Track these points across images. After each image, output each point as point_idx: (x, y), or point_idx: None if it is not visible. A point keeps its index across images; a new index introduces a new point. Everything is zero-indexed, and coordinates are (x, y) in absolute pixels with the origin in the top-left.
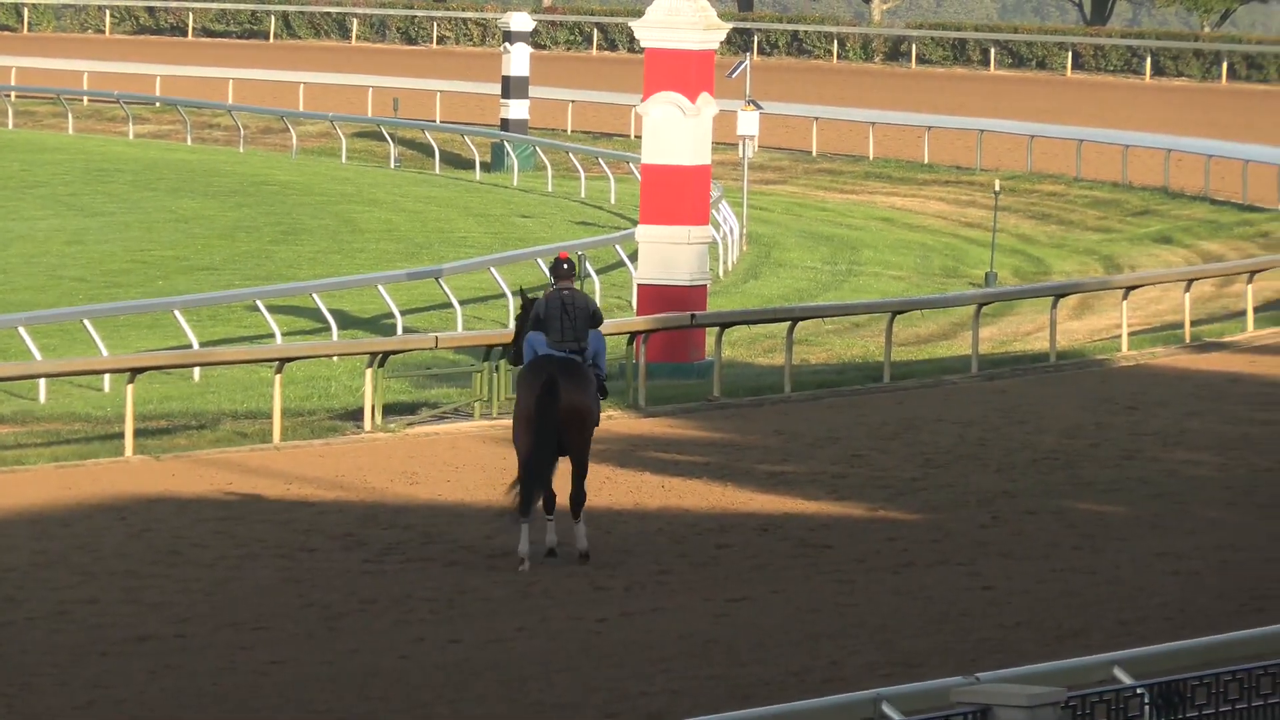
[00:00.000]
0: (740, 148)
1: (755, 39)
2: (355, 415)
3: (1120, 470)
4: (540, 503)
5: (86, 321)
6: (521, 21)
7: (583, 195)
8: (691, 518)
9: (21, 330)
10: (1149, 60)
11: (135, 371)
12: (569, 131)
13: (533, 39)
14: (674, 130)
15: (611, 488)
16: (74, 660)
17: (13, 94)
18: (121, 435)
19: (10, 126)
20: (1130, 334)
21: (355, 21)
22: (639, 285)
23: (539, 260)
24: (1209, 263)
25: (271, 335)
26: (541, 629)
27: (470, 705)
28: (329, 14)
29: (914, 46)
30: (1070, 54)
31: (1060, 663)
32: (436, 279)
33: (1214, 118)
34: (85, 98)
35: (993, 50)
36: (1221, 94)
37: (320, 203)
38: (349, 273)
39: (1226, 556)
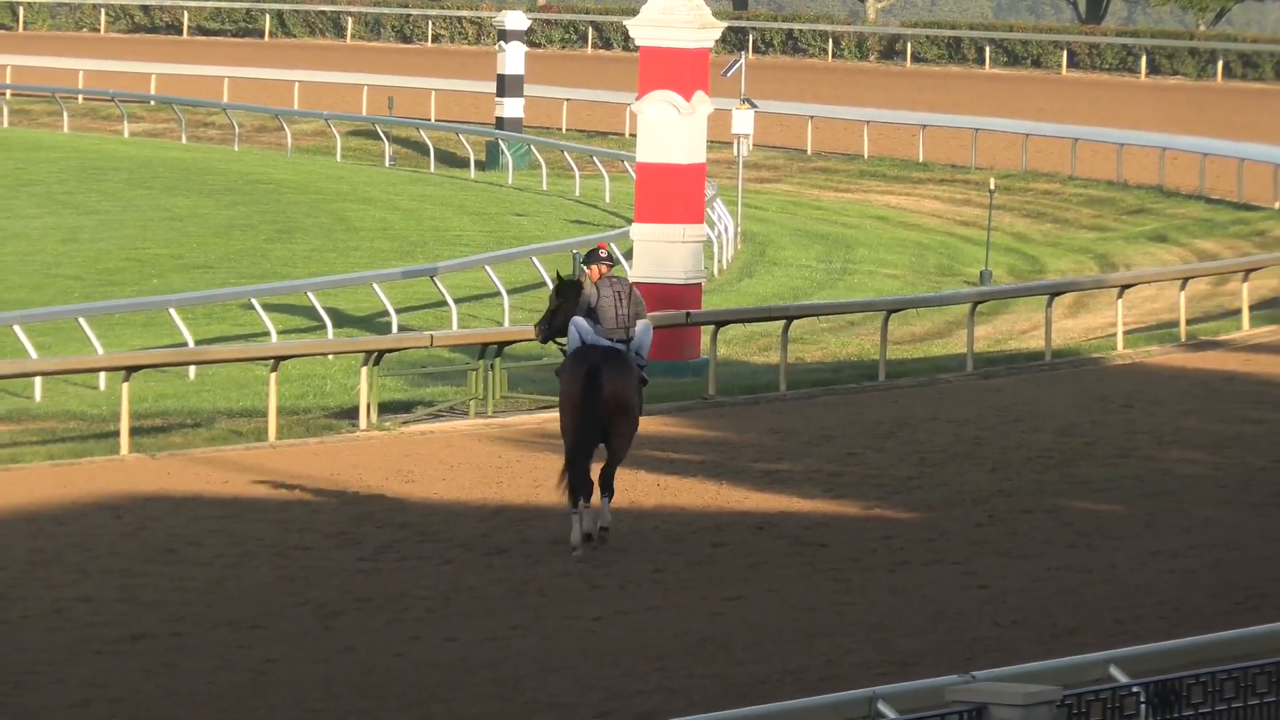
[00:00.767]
0: (735, 146)
1: (750, 37)
2: (350, 413)
3: (1115, 469)
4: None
5: (82, 320)
6: (516, 20)
7: (577, 194)
8: (687, 516)
9: (17, 328)
10: (1144, 59)
11: (130, 370)
12: (564, 130)
13: (528, 37)
14: (669, 129)
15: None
16: (69, 659)
17: (8, 92)
18: (117, 433)
19: (5, 125)
20: (1125, 332)
21: (350, 20)
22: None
23: (534, 259)
24: (1204, 261)
25: (267, 333)
26: (537, 627)
27: (465, 704)
28: (324, 12)
29: (909, 45)
30: (1065, 52)
31: (1056, 661)
32: (431, 277)
33: (1209, 116)
34: (80, 96)
35: (988, 49)
36: (1217, 92)
37: (315, 201)
38: (344, 271)
39: (1222, 555)
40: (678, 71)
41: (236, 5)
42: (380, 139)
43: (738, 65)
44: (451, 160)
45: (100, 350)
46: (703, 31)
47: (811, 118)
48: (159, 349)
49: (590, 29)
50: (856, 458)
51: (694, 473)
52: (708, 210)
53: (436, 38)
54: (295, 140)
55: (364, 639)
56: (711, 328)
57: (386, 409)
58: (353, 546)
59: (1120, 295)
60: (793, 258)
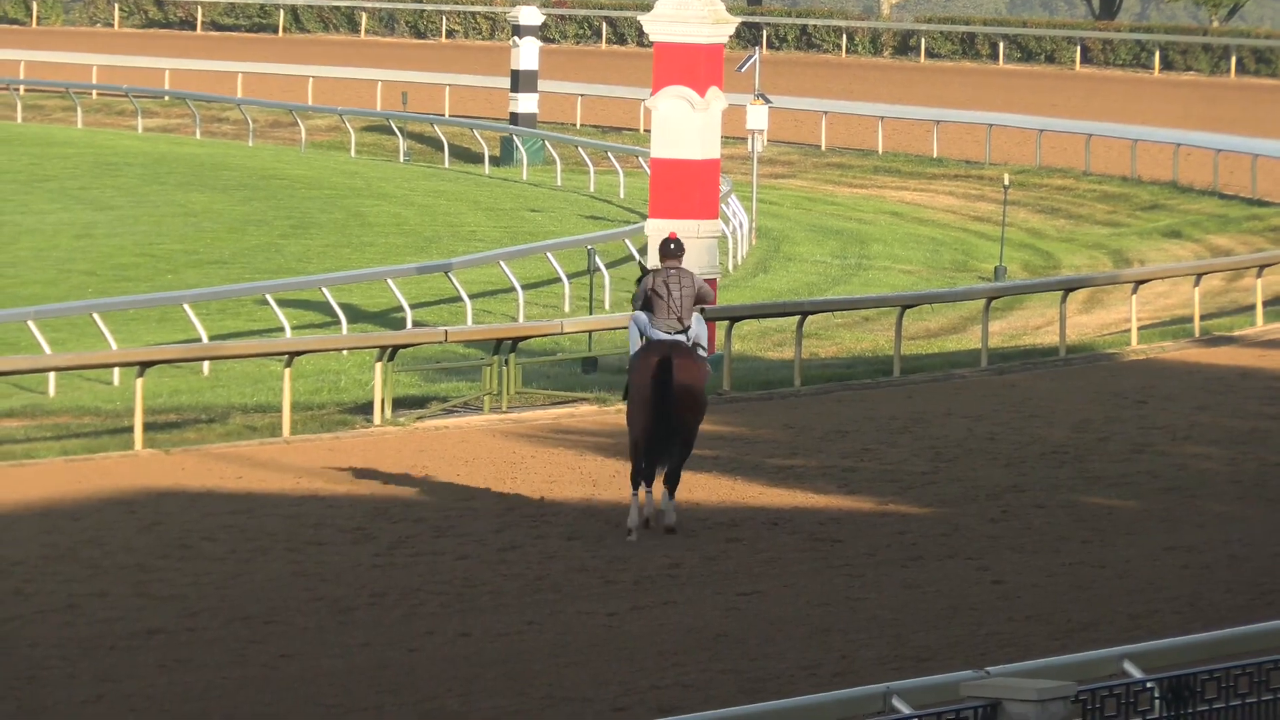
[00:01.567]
0: (749, 142)
1: (764, 33)
2: (365, 409)
3: (1130, 464)
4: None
5: (96, 315)
6: (531, 15)
7: (592, 189)
8: (701, 511)
9: (31, 324)
10: (1158, 54)
11: (144, 365)
12: (578, 125)
13: (542, 33)
14: (683, 124)
15: (621, 481)
16: (83, 654)
17: (22, 88)
18: (131, 429)
19: (19, 120)
20: (1139, 328)
21: (364, 15)
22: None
23: (549, 255)
24: (1218, 257)
25: (281, 329)
26: (551, 622)
27: (480, 699)
28: (338, 8)
29: (923, 40)
30: (1079, 48)
31: (1070, 656)
32: (446, 273)
33: (1222, 112)
34: (94, 92)
35: (1001, 44)
36: (1230, 88)
37: (329, 197)
38: (358, 266)
39: (1236, 550)
40: (692, 67)
41: (250, 1)
42: (395, 134)
43: (752, 61)
44: (466, 156)
45: (114, 346)
46: (717, 27)
47: (826, 113)
48: (173, 344)
49: (604, 24)
50: (871, 453)
51: (708, 468)
52: (722, 206)
53: (451, 33)
54: (309, 136)
55: (378, 634)
56: (726, 323)
57: (401, 404)
58: (367, 542)
59: (1134, 291)
60: (807, 253)
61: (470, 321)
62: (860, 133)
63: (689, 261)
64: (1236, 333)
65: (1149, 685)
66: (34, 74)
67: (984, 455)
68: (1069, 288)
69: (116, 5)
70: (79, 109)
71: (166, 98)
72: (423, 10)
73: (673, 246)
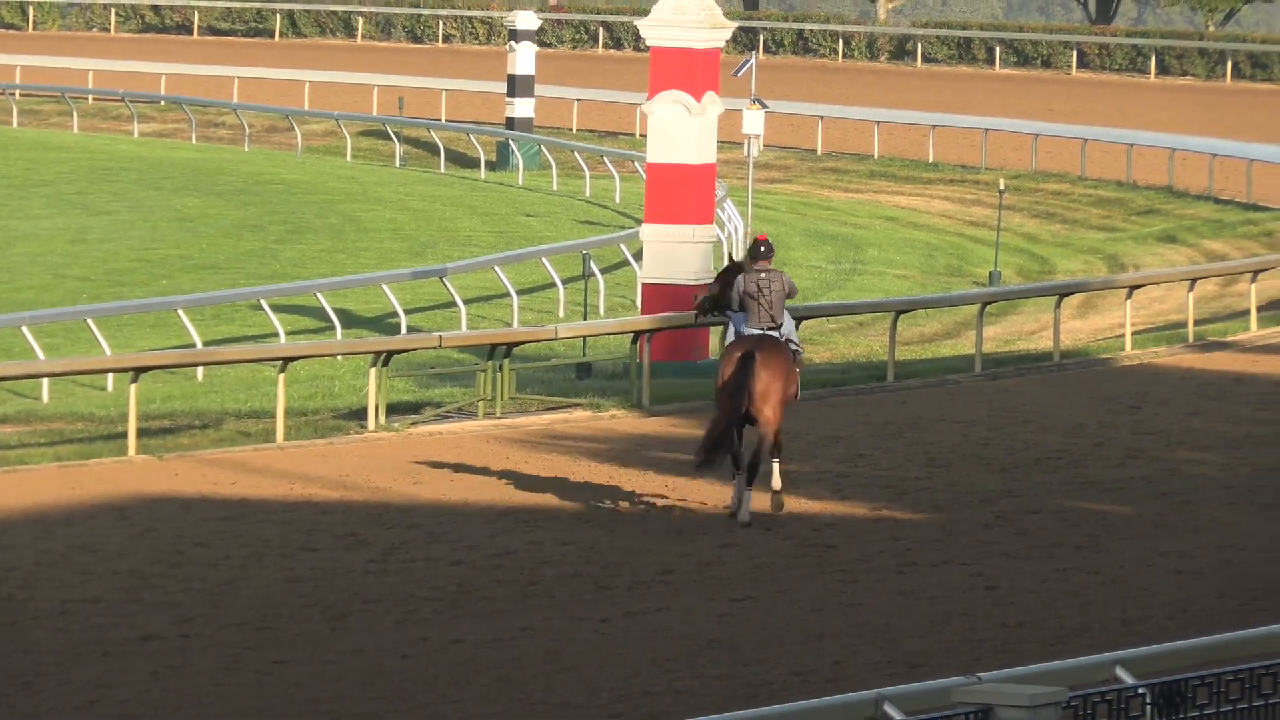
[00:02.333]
0: (745, 146)
1: (761, 37)
2: (359, 414)
3: (1123, 469)
4: (732, 460)
5: (90, 321)
6: (527, 20)
7: (587, 194)
8: (695, 517)
9: (25, 330)
10: (1154, 59)
11: (139, 371)
12: (574, 130)
13: (538, 37)
14: (679, 129)
15: (615, 487)
16: (77, 659)
17: (18, 92)
18: (125, 435)
19: (15, 125)
20: (1134, 333)
21: (361, 20)
22: (643, 284)
23: (544, 260)
24: (1213, 262)
25: (275, 334)
26: (545, 628)
27: (473, 705)
28: (335, 12)
29: (919, 45)
30: (1075, 53)
31: (1062, 662)
32: (441, 278)
33: (1218, 117)
34: (90, 96)
35: (998, 49)
36: (1226, 93)
37: (325, 201)
38: (353, 271)
39: (1229, 556)
40: (688, 71)
41: (247, 5)
42: (391, 139)
43: (748, 65)
44: (462, 161)
45: (108, 351)
46: (714, 31)
47: (822, 118)
48: (167, 350)
49: (601, 29)
50: (865, 458)
51: (701, 473)
52: (718, 211)
53: (447, 38)
54: (305, 140)
55: (372, 640)
56: (720, 328)
57: (395, 410)
58: (361, 548)
59: (1129, 296)
60: (802, 258)
61: (465, 327)
62: (856, 137)
63: (686, 267)
64: (1230, 338)
65: (1141, 691)
66: (30, 78)
67: (978, 460)
68: (1064, 293)
69: (113, 10)
70: (75, 113)
71: (162, 102)
72: (419, 15)
73: (763, 249)
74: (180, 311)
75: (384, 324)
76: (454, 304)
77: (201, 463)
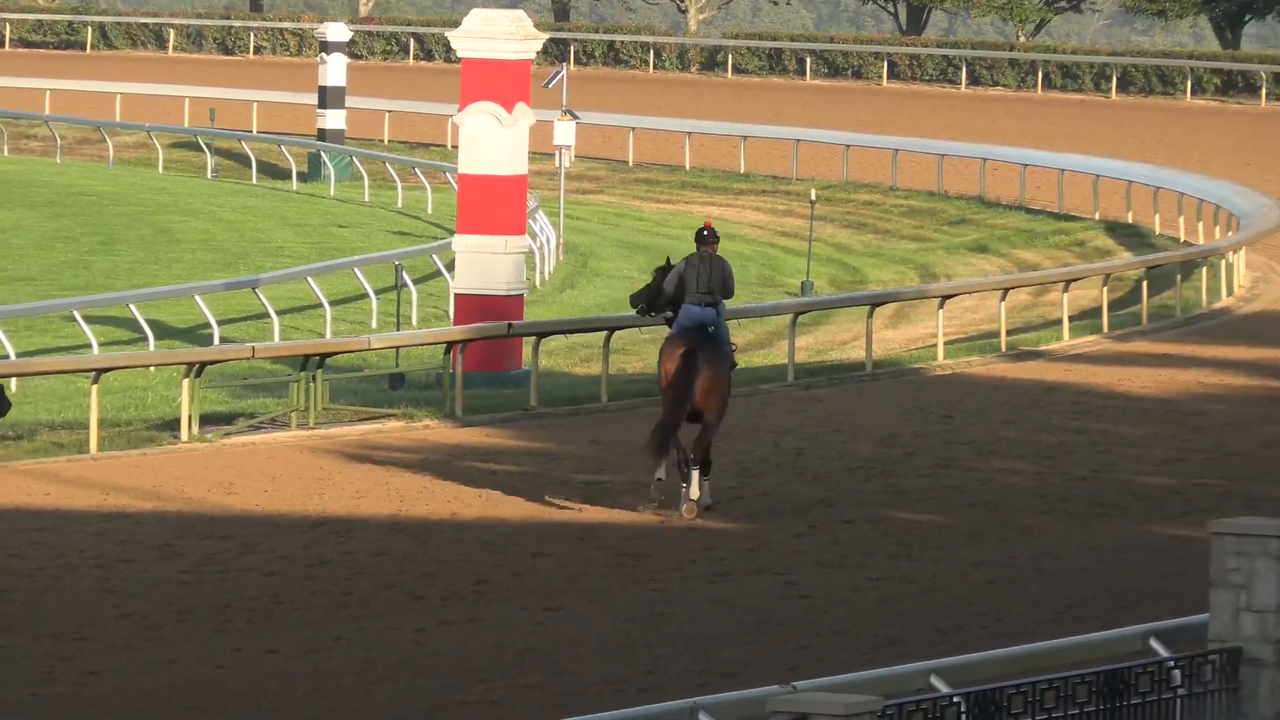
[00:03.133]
0: (557, 157)
1: (572, 49)
2: (172, 425)
3: (936, 479)
4: (674, 451)
5: None
6: (338, 32)
7: (400, 205)
8: (508, 527)
9: None
10: (965, 70)
11: None
12: (386, 141)
13: (349, 49)
14: (490, 140)
15: (428, 498)
16: None
17: None
18: None
19: None
20: (946, 343)
21: (172, 32)
22: (456, 295)
23: (356, 270)
24: (1025, 271)
25: (88, 345)
26: (359, 639)
27: (288, 715)
28: (146, 24)
29: (730, 56)
30: (886, 64)
31: (877, 671)
32: (253, 289)
33: (1029, 127)
34: None
35: (809, 60)
36: (1037, 103)
37: (137, 213)
38: (166, 283)
39: (1043, 565)
40: (499, 83)
41: (58, 17)
42: (202, 151)
43: (559, 76)
44: (274, 172)
45: None
46: (524, 43)
47: (633, 129)
48: None
49: (412, 40)
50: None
51: (516, 483)
52: (530, 222)
53: (258, 49)
54: (117, 152)
55: (187, 651)
56: (533, 339)
57: (208, 421)
58: (175, 558)
59: (941, 306)
60: (614, 269)
61: (278, 338)
62: (667, 148)
63: (498, 277)
64: (1043, 347)
65: (956, 700)
66: None
67: (791, 470)
68: (876, 303)
69: None
70: None
71: None
72: (230, 27)
73: (706, 234)
74: None
75: (197, 335)
76: (267, 315)
77: (15, 473)
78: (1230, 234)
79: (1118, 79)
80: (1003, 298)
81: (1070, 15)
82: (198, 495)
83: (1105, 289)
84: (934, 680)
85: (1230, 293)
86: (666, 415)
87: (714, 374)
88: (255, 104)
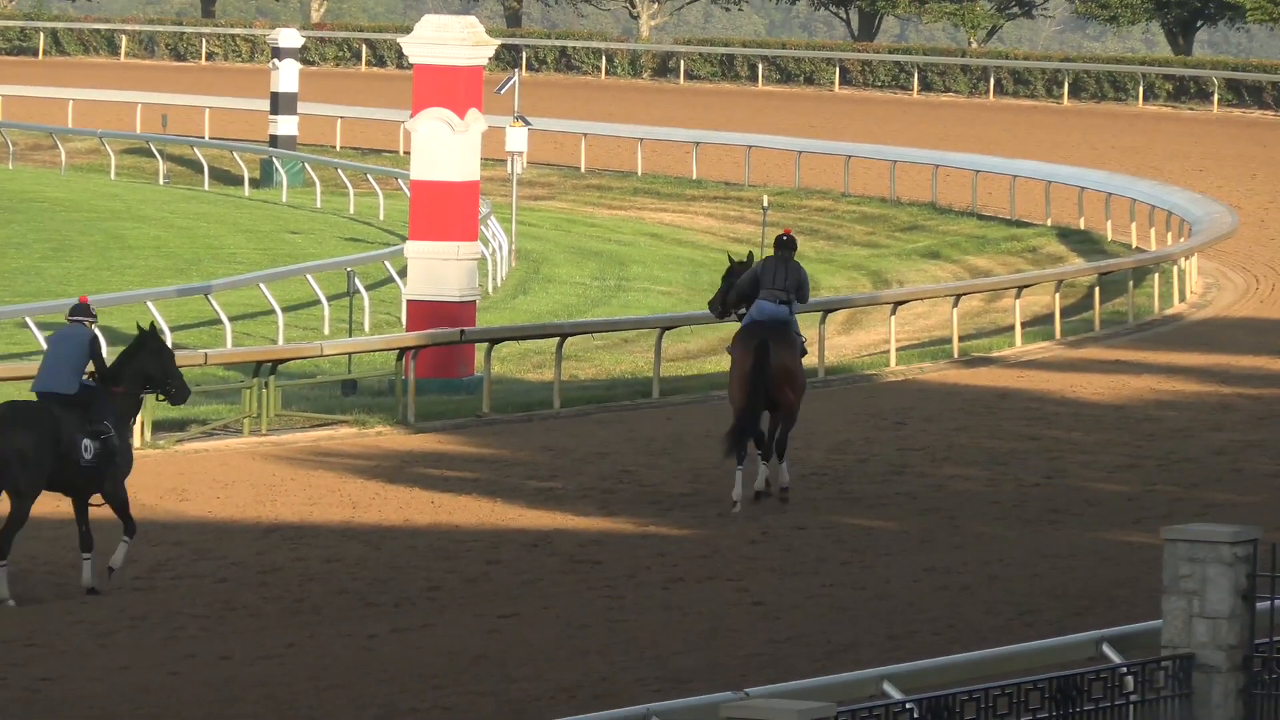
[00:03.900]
0: (509, 164)
1: (524, 55)
2: None
3: (888, 485)
4: (751, 444)
5: None
6: (290, 38)
7: (351, 211)
8: (461, 534)
9: None
10: (916, 76)
11: None
12: (338, 148)
13: (301, 55)
14: (443, 146)
15: (381, 504)
16: None
17: None
18: None
19: None
20: (898, 349)
21: (124, 38)
22: (408, 301)
23: (308, 276)
24: (977, 278)
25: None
26: (311, 645)
27: None
28: (98, 31)
29: (682, 62)
30: (838, 70)
31: (830, 678)
32: (206, 295)
33: (981, 133)
34: None
35: (761, 66)
36: (989, 109)
37: (89, 219)
38: (118, 289)
39: (995, 571)
40: (451, 89)
41: (10, 23)
42: (155, 157)
43: (511, 82)
44: (226, 178)
45: None
46: (476, 49)
47: (585, 135)
48: None
49: (364, 46)
50: (631, 475)
51: (468, 490)
52: (482, 228)
53: (210, 55)
54: (69, 158)
55: (139, 657)
56: (486, 345)
57: (161, 427)
58: (127, 564)
59: (893, 312)
60: (567, 275)
61: (230, 344)
62: (620, 154)
63: (450, 284)
64: (995, 354)
65: (908, 706)
66: None
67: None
68: (828, 309)
69: None
70: None
71: None
72: (183, 33)
73: (785, 239)
74: None
75: None
76: (219, 321)
77: None
78: (1182, 240)
79: (1070, 85)
80: (955, 304)
81: (1022, 21)
82: (150, 501)
83: (1058, 295)
84: (886, 686)
85: (1182, 299)
86: (742, 406)
87: (788, 362)
88: (207, 110)
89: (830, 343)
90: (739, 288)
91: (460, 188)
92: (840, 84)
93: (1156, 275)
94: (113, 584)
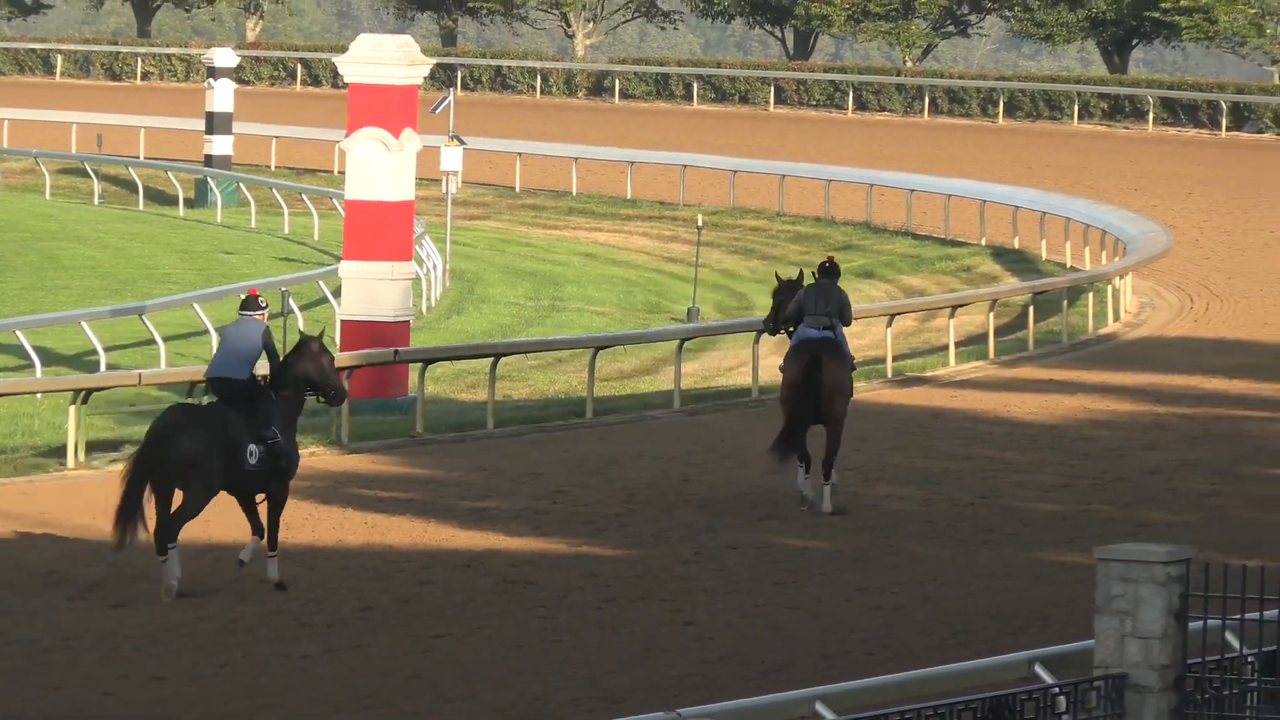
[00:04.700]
0: (444, 183)
1: (459, 74)
2: (59, 452)
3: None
4: (796, 458)
5: None
6: (225, 57)
7: (286, 231)
8: (395, 554)
9: None
10: (852, 95)
11: None
12: (273, 167)
13: (237, 75)
14: (377, 166)
15: (314, 524)
16: None
17: None
18: None
19: None
20: None
21: (60, 58)
22: (342, 321)
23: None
24: (911, 297)
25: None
26: (245, 665)
27: None
28: (33, 50)
29: (617, 82)
30: (773, 89)
31: (763, 698)
32: (140, 315)
33: (916, 152)
34: None
35: (696, 85)
36: (924, 128)
37: (24, 239)
38: (52, 309)
39: (928, 591)
40: (386, 108)
41: None
42: (89, 177)
43: (446, 102)
44: (161, 198)
45: None
46: (411, 68)
47: (520, 154)
48: None
49: (299, 66)
50: (564, 495)
51: (402, 510)
52: (416, 248)
53: (146, 75)
54: (4, 178)
55: (72, 678)
56: (420, 365)
57: (95, 448)
58: (62, 585)
59: None
60: (501, 295)
61: (164, 364)
62: (554, 174)
63: (385, 304)
64: (929, 373)
65: None
66: None
67: (677, 496)
68: (762, 329)
69: None
70: None
71: None
72: (118, 53)
73: (829, 266)
74: None
75: (83, 362)
76: (154, 342)
77: None
78: (1117, 259)
79: (1005, 104)
80: (889, 323)
81: (957, 40)
82: (85, 522)
83: (992, 315)
84: (819, 707)
85: (1117, 318)
86: (790, 420)
87: (838, 379)
88: (142, 130)
89: (765, 362)
90: (788, 314)
91: (395, 207)
92: (775, 103)
93: (1091, 295)
94: (46, 604)
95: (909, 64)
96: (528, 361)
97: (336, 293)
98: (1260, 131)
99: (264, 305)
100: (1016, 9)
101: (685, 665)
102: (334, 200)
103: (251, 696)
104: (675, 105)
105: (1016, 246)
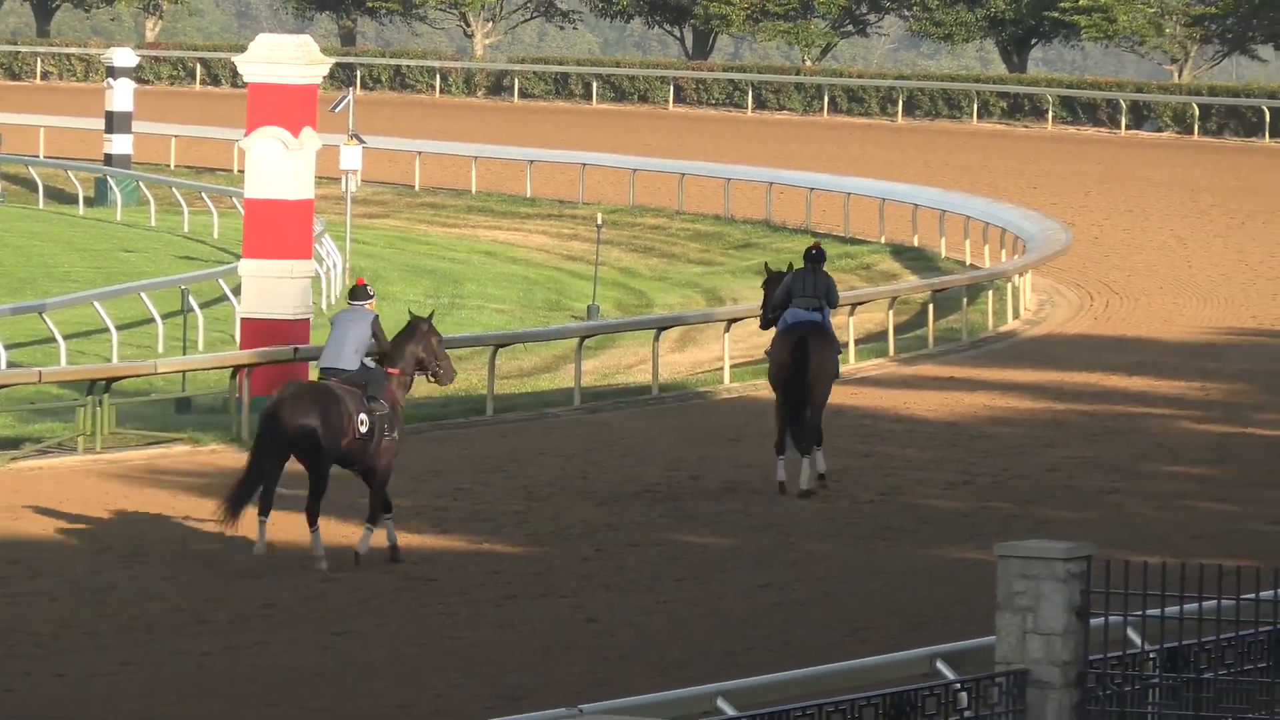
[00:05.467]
0: (343, 182)
1: (358, 74)
2: None
3: (723, 502)
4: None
5: None
6: (124, 57)
7: (186, 229)
8: (297, 552)
9: None
10: (751, 94)
11: None
12: (172, 166)
13: (136, 74)
14: (277, 164)
15: (216, 522)
16: None
17: None
18: None
19: None
20: (732, 366)
21: None
22: (242, 319)
23: (143, 295)
24: None
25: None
26: (146, 663)
27: None
28: None
29: (516, 81)
30: (672, 88)
31: (665, 694)
32: (40, 314)
33: (815, 150)
34: None
35: (595, 84)
36: (823, 127)
37: None
38: None
39: (829, 588)
40: (286, 108)
41: None
42: None
43: (346, 101)
44: (60, 197)
45: None
46: (310, 68)
47: (420, 153)
48: None
49: (199, 65)
50: (464, 492)
51: (300, 507)
52: (316, 246)
53: (45, 74)
54: None
55: None
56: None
57: None
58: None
59: (727, 329)
60: (401, 293)
61: (64, 362)
62: (454, 172)
63: (285, 302)
64: None
65: None
66: None
67: (577, 494)
68: (662, 326)
69: None
70: None
71: None
72: (17, 52)
73: (815, 253)
74: None
75: None
76: (53, 339)
77: None
78: (1016, 257)
79: (904, 103)
80: None
81: (856, 40)
82: None
83: (891, 312)
84: (721, 703)
85: (1016, 316)
86: (782, 400)
87: (824, 358)
88: (42, 129)
89: (664, 360)
90: (775, 301)
91: (294, 206)
92: (675, 102)
93: (990, 292)
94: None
95: (808, 63)
96: None
97: (236, 291)
98: (1159, 130)
99: (372, 294)
100: (915, 8)
101: (587, 662)
102: (234, 199)
103: (151, 694)
104: (574, 104)
105: (916, 244)
